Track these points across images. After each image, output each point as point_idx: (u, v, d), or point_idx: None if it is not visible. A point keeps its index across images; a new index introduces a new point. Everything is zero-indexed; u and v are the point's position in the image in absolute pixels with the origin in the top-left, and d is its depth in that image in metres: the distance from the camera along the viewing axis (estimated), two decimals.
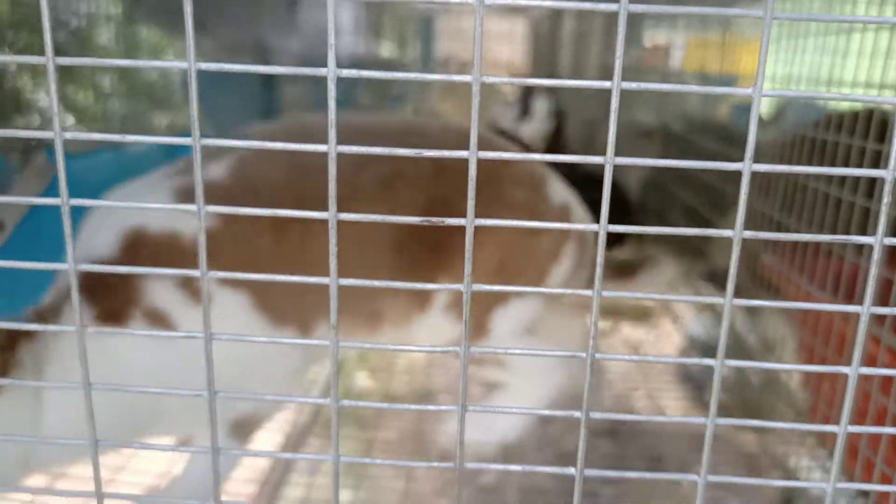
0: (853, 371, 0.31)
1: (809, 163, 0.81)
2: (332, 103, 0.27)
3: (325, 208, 0.29)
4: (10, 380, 0.58)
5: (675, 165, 0.27)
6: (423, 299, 0.76)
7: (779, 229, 0.93)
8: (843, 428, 0.32)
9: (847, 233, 0.75)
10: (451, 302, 0.76)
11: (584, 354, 0.31)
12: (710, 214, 1.20)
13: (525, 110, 1.57)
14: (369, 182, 0.71)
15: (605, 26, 1.71)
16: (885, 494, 0.65)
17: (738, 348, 1.05)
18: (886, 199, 0.27)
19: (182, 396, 0.32)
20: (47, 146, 0.89)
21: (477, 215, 0.28)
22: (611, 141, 0.27)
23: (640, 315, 1.51)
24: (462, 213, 0.28)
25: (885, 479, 0.65)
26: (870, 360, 0.68)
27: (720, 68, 1.31)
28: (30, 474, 0.63)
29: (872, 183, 0.72)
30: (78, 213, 0.66)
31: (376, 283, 0.30)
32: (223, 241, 0.65)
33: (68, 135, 0.28)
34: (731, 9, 0.28)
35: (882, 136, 0.73)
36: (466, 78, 0.27)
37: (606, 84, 0.26)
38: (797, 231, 0.87)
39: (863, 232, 0.72)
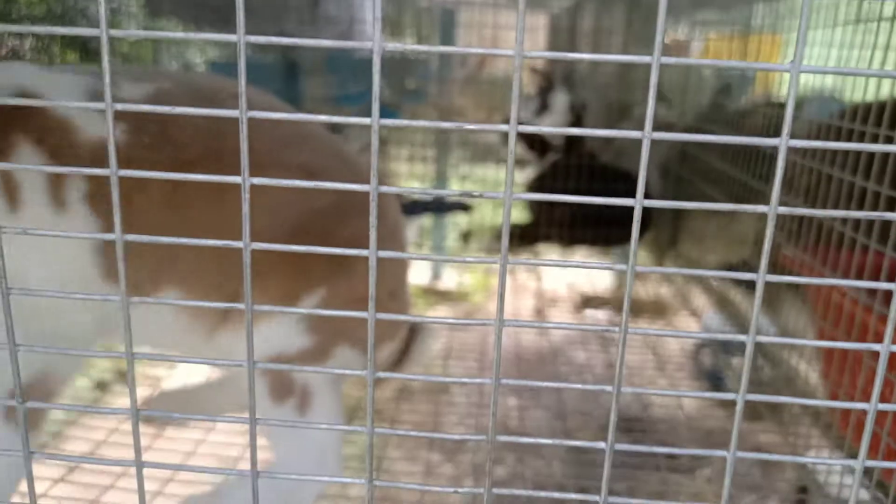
0: (872, 407, 0.32)
1: (835, 153, 0.81)
2: (376, 77, 0.28)
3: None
4: None
5: (712, 140, 0.28)
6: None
7: (801, 224, 0.93)
8: (873, 405, 0.33)
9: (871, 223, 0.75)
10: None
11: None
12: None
13: (544, 105, 1.57)
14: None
15: (624, 21, 1.71)
16: (889, 471, 0.67)
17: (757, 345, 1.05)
18: None
19: None
20: None
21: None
22: (649, 116, 0.28)
23: (658, 310, 1.51)
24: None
25: (891, 452, 0.66)
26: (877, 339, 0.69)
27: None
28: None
29: None
30: None
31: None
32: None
33: (119, 106, 0.29)
34: None
35: None
36: (508, 52, 0.27)
37: (647, 59, 0.27)
38: (821, 225, 0.87)
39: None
